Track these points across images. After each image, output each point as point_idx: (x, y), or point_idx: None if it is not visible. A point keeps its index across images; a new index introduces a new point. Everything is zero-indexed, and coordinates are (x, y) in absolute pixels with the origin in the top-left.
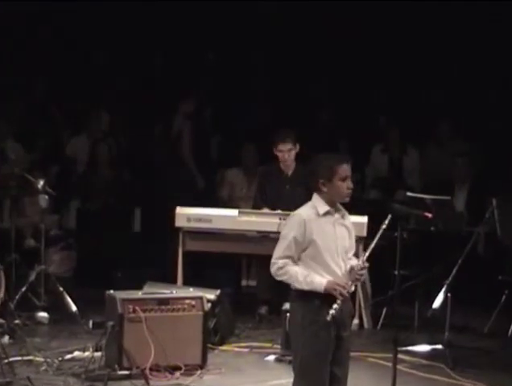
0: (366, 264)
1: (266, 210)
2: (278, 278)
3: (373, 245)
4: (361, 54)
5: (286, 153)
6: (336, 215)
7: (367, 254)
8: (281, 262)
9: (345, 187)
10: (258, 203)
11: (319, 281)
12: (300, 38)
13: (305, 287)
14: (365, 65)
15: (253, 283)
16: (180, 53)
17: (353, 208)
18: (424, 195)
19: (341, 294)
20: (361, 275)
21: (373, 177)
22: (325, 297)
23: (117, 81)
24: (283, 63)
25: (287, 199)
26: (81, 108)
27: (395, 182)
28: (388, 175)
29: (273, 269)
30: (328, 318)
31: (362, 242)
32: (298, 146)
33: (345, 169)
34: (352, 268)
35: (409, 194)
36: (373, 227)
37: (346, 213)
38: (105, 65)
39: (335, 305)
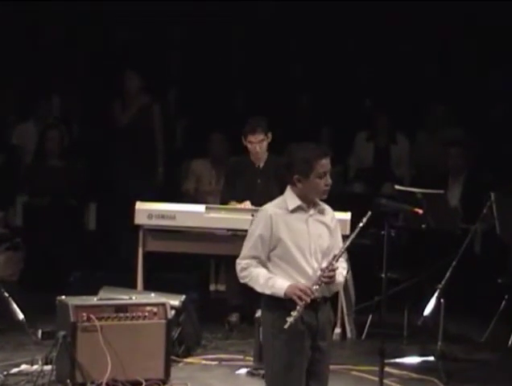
0: (335, 266)
1: (233, 204)
2: (242, 281)
3: (345, 246)
4: (342, 30)
5: (257, 144)
6: (311, 211)
7: (338, 255)
8: (244, 263)
9: (323, 184)
10: (225, 197)
11: (280, 285)
12: (277, 16)
13: (266, 291)
14: (347, 42)
15: (222, 288)
16: (145, 29)
17: (335, 203)
18: (414, 188)
19: (302, 299)
20: (330, 277)
21: (357, 168)
22: (293, 303)
23: (70, 63)
24: (258, 41)
25: (260, 193)
26: (29, 90)
27: (382, 174)
28: (374, 166)
29: (237, 270)
30: (286, 326)
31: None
32: (270, 136)
33: (324, 164)
34: (321, 270)
35: (397, 187)
36: (357, 224)
37: (327, 208)
38: (57, 46)
39: (294, 313)
